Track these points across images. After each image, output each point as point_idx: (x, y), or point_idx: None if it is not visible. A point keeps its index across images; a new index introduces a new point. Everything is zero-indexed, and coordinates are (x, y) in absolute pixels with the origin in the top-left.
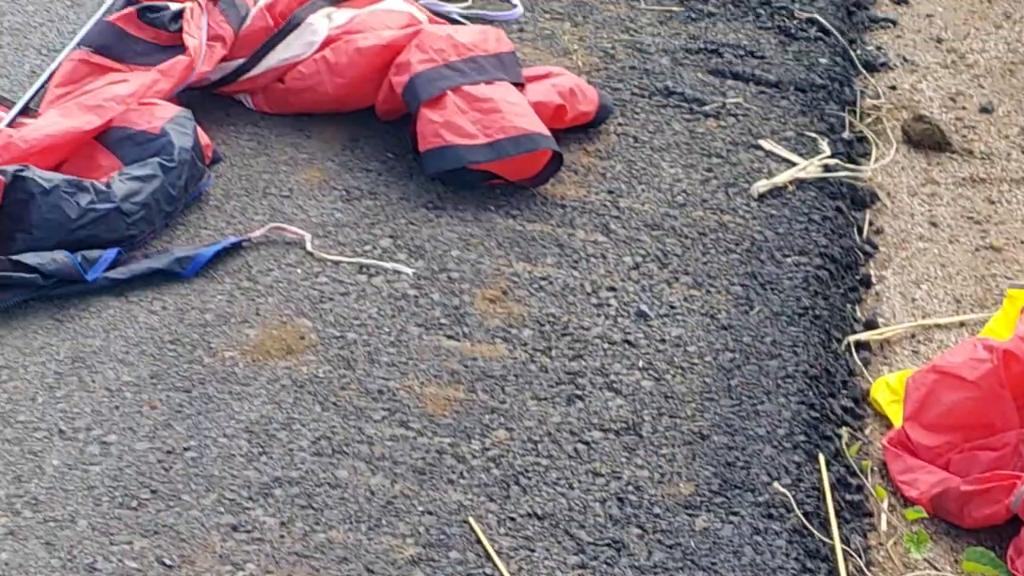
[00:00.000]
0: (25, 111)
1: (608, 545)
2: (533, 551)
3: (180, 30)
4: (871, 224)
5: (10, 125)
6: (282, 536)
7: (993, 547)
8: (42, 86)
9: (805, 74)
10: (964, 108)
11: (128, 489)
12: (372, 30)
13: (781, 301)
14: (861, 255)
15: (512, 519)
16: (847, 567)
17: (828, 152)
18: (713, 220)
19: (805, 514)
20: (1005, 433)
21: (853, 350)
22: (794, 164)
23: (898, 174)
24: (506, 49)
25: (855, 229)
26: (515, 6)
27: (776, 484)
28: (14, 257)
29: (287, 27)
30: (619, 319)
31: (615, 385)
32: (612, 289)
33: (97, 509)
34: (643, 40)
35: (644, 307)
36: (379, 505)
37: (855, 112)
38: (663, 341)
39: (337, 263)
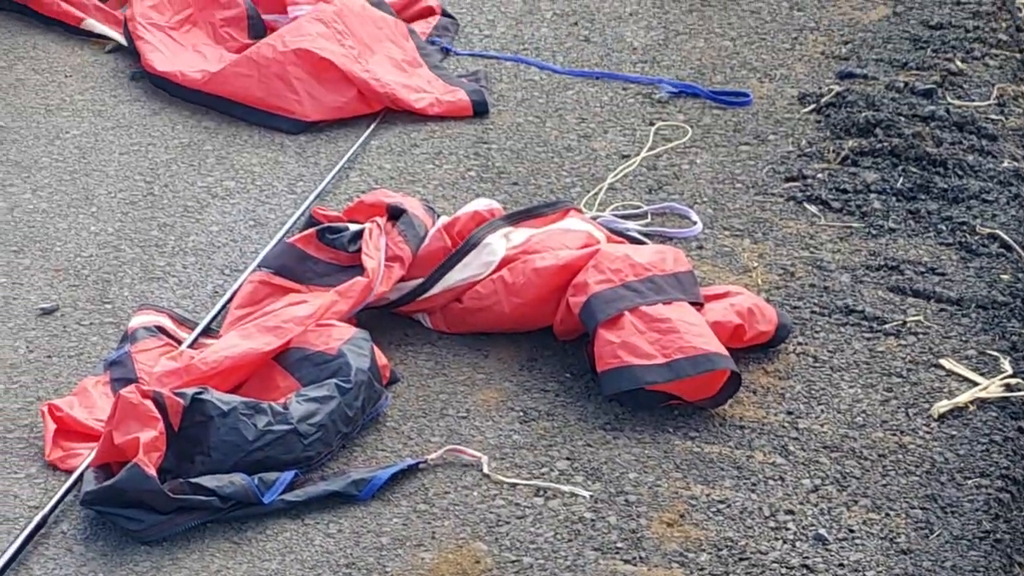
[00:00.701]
0: (207, 331)
1: None
2: None
3: (359, 251)
4: None
5: (191, 346)
6: None
7: None
8: (223, 307)
9: (987, 291)
10: None
11: None
12: (550, 250)
13: (962, 525)
14: None
15: None
16: None
17: (1010, 371)
18: (893, 441)
19: None
20: None
21: None
22: (975, 384)
23: None
24: (684, 269)
25: None
26: (695, 223)
27: None
28: (193, 480)
29: (465, 247)
30: (797, 543)
31: None
32: (790, 512)
33: None
34: (823, 257)
35: (823, 531)
36: None
37: None
38: (841, 566)
39: (514, 486)
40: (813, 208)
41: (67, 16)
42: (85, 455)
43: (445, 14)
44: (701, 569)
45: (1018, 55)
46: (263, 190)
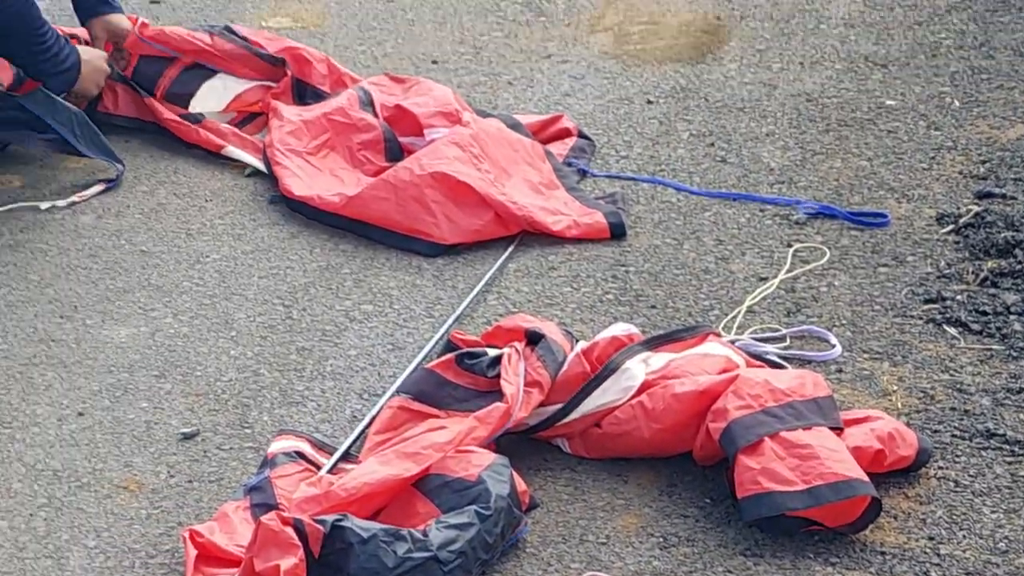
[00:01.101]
0: (346, 457)
1: None
2: None
3: (498, 376)
4: None
5: (331, 471)
6: None
7: None
8: (362, 432)
9: None
10: None
11: None
12: (689, 375)
13: None
14: None
15: None
16: None
17: None
18: None
19: None
20: None
21: None
22: None
23: None
24: (823, 394)
25: None
26: (834, 346)
27: None
28: None
29: (604, 372)
30: None
31: None
32: None
33: None
34: (963, 380)
35: None
36: None
37: None
38: None
39: None
40: (953, 330)
41: (208, 143)
42: None
43: (582, 135)
44: None
45: None
46: (401, 313)
